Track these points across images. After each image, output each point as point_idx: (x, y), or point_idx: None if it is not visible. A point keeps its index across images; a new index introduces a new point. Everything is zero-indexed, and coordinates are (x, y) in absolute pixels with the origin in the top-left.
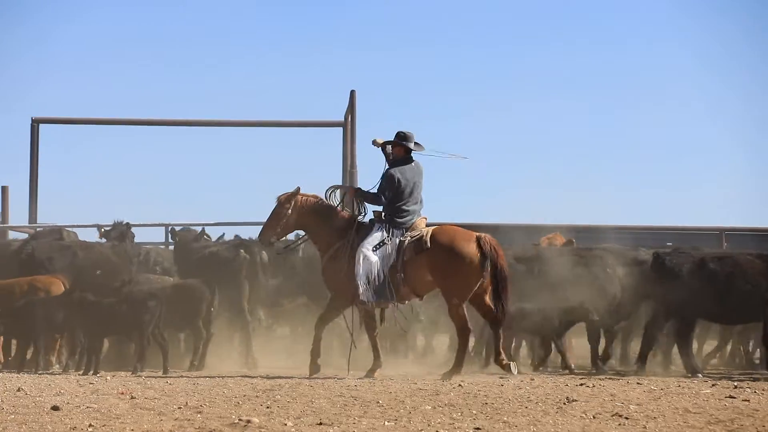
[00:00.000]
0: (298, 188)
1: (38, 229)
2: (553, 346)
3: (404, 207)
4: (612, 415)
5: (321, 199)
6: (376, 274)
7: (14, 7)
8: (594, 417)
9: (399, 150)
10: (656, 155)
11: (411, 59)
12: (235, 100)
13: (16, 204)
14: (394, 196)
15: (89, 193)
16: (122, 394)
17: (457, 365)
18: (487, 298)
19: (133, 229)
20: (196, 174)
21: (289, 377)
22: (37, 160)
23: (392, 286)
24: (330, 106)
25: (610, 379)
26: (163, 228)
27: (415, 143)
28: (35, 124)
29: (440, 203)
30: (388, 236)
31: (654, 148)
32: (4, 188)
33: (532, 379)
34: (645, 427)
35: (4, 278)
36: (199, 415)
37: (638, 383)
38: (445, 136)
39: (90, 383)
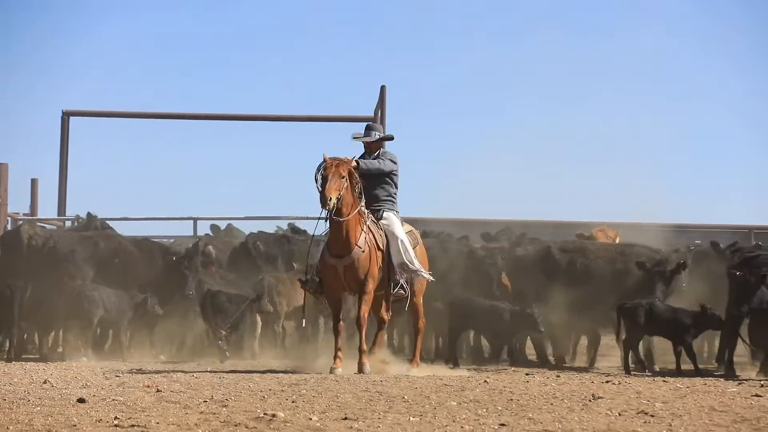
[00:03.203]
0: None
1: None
2: None
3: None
4: (637, 413)
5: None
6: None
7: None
8: (619, 414)
9: (375, 145)
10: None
11: (441, 55)
12: (264, 95)
13: (45, 196)
14: (395, 183)
15: (119, 185)
16: (148, 387)
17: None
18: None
19: (158, 223)
20: (223, 168)
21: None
22: (67, 152)
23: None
24: (360, 101)
25: (636, 376)
26: (191, 221)
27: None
28: (66, 116)
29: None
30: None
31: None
32: (34, 180)
33: (558, 376)
34: (670, 425)
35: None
36: (224, 409)
37: (664, 381)
38: (476, 132)
39: (116, 376)
